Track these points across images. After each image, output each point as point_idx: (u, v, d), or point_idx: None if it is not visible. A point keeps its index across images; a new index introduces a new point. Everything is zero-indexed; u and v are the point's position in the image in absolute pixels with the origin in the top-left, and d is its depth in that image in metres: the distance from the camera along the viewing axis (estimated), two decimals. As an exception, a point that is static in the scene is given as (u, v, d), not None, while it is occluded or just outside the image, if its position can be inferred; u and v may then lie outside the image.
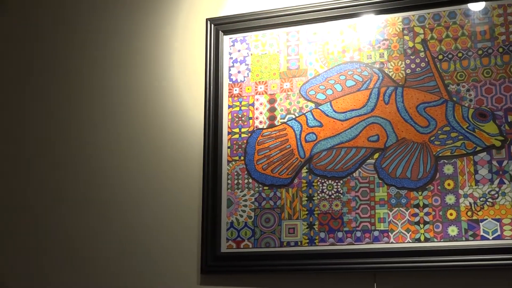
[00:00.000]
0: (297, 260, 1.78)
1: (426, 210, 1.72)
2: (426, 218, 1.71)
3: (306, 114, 1.88)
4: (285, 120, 1.90)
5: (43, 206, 2.10)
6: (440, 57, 1.79)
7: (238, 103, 1.95)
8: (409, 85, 1.81)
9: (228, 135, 1.93)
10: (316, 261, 1.77)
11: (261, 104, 1.93)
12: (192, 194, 1.94)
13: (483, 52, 1.76)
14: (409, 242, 1.71)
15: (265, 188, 1.86)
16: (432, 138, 1.76)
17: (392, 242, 1.73)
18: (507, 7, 1.77)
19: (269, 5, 1.99)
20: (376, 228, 1.75)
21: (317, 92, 1.88)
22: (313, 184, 1.82)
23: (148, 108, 2.07)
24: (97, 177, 2.07)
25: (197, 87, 2.01)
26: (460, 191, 1.70)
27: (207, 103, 1.95)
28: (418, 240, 1.71)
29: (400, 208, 1.74)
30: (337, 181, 1.81)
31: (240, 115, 1.93)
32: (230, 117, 1.94)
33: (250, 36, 1.98)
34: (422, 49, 1.81)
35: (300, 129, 1.87)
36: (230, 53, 1.99)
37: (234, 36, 2.00)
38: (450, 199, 1.71)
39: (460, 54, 1.78)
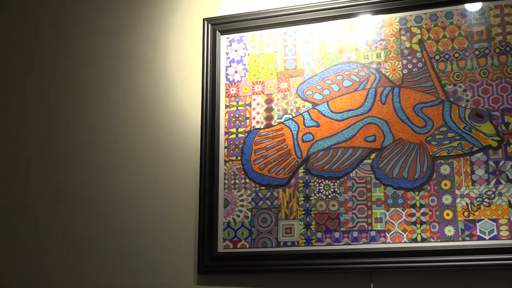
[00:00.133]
0: (294, 260, 1.78)
1: (422, 210, 1.72)
2: (423, 218, 1.71)
3: (303, 114, 1.88)
4: (282, 120, 1.90)
5: (41, 206, 2.10)
6: (437, 57, 1.80)
7: (235, 103, 1.95)
8: (406, 85, 1.81)
9: (225, 135, 1.93)
10: (313, 261, 1.77)
11: (258, 104, 1.93)
12: (189, 194, 1.94)
13: (480, 52, 1.77)
14: (406, 242, 1.71)
15: (262, 188, 1.86)
16: (429, 138, 1.76)
17: (389, 242, 1.73)
18: (504, 7, 1.77)
19: (266, 5, 1.99)
20: (373, 228, 1.75)
21: (314, 92, 1.88)
22: (310, 184, 1.83)
23: (145, 108, 2.07)
24: (94, 177, 2.07)
25: (194, 87, 2.01)
26: (457, 191, 1.71)
27: (204, 103, 1.95)
28: (415, 240, 1.71)
29: (397, 208, 1.74)
30: (334, 181, 1.81)
31: (237, 115, 1.94)
32: (227, 117, 1.94)
33: (247, 36, 1.98)
34: (419, 50, 1.82)
35: (297, 129, 1.88)
36: (227, 53, 1.99)
37: (231, 36, 2.00)
38: (446, 199, 1.71)
39: (457, 55, 1.78)
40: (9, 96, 2.25)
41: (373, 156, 1.79)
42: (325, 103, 1.87)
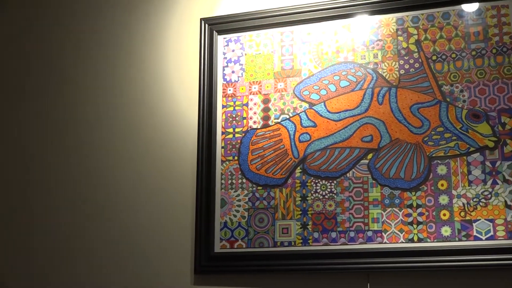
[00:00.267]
0: (291, 260, 1.78)
1: (419, 210, 1.72)
2: (420, 219, 1.72)
3: (300, 114, 1.88)
4: (279, 120, 1.90)
5: (38, 206, 2.10)
6: (434, 57, 1.80)
7: (232, 103, 1.95)
8: (402, 85, 1.81)
9: (222, 135, 1.93)
10: (310, 261, 1.77)
11: (255, 104, 1.93)
12: (186, 194, 1.94)
13: (476, 53, 1.77)
14: (403, 242, 1.71)
15: (259, 188, 1.86)
16: (425, 139, 1.76)
17: (385, 242, 1.73)
18: (500, 8, 1.77)
19: (264, 5, 1.99)
20: (370, 228, 1.75)
21: (311, 92, 1.88)
22: (307, 184, 1.83)
23: (142, 108, 2.06)
24: (92, 177, 2.07)
25: (191, 87, 2.01)
26: (454, 192, 1.71)
27: (201, 103, 1.95)
28: (412, 240, 1.71)
29: (394, 209, 1.74)
30: (330, 181, 1.81)
31: (234, 115, 1.93)
32: (224, 117, 1.94)
33: (244, 36, 1.98)
34: (416, 50, 1.82)
35: (294, 129, 1.88)
36: (224, 53, 1.99)
37: (228, 36, 2.00)
38: (443, 199, 1.71)
39: (453, 55, 1.79)
40: (6, 96, 2.25)
41: (370, 156, 1.79)
42: (322, 103, 1.87)
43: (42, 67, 2.22)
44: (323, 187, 1.81)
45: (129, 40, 2.13)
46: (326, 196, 1.81)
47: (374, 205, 1.76)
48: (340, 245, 1.77)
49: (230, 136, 1.93)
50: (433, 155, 1.74)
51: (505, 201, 1.67)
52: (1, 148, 2.20)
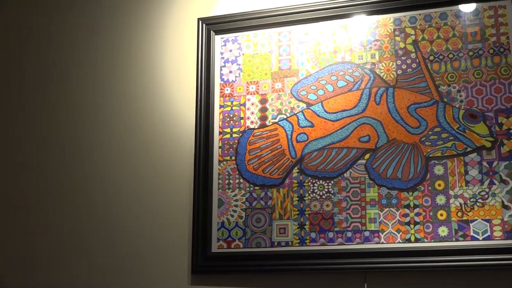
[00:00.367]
0: (288, 260, 1.78)
1: (416, 210, 1.72)
2: (417, 219, 1.72)
3: (297, 114, 1.88)
4: (277, 120, 1.90)
5: (36, 206, 2.10)
6: (431, 58, 1.80)
7: (229, 103, 1.95)
8: (400, 85, 1.81)
9: (219, 135, 1.93)
10: (307, 261, 1.77)
11: (252, 104, 1.93)
12: (183, 193, 1.94)
13: (474, 53, 1.77)
14: (400, 243, 1.72)
15: (256, 188, 1.86)
16: (423, 139, 1.76)
17: (382, 243, 1.73)
18: (497, 8, 1.78)
19: (261, 5, 1.99)
20: (367, 229, 1.75)
21: (308, 93, 1.88)
22: (304, 184, 1.83)
23: (140, 108, 2.06)
24: (89, 177, 2.06)
25: (188, 87, 2.01)
26: (451, 192, 1.71)
27: (199, 103, 1.95)
28: (409, 241, 1.71)
29: (391, 209, 1.74)
30: (328, 181, 1.81)
31: (231, 115, 1.93)
32: (221, 117, 1.94)
33: (242, 36, 1.98)
34: (413, 50, 1.82)
35: (291, 129, 1.88)
36: (221, 53, 1.99)
37: (225, 36, 2.00)
38: (440, 199, 1.71)
39: (451, 55, 1.79)
40: (2, 95, 2.24)
41: (367, 156, 1.79)
42: (320, 104, 1.87)
43: (39, 68, 2.22)
44: (321, 187, 1.81)
45: (126, 40, 2.13)
46: (324, 196, 1.81)
47: (371, 205, 1.76)
48: (337, 245, 1.76)
49: (228, 136, 1.92)
50: (430, 155, 1.74)
51: (502, 201, 1.67)
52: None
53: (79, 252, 2.01)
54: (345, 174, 1.80)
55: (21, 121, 2.19)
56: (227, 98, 1.95)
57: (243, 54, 1.97)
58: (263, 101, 1.92)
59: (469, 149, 1.72)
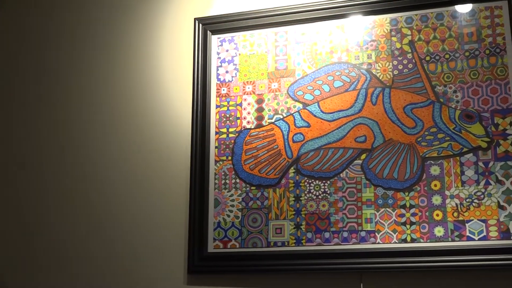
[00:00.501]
0: (284, 260, 1.78)
1: (412, 210, 1.72)
2: (413, 219, 1.72)
3: (293, 114, 1.88)
4: (273, 120, 1.90)
5: (34, 206, 2.09)
6: (428, 58, 1.80)
7: (226, 103, 1.95)
8: (396, 86, 1.81)
9: (215, 135, 1.93)
10: (303, 261, 1.77)
11: (249, 104, 1.93)
12: (179, 193, 1.94)
13: (470, 53, 1.77)
14: (396, 243, 1.72)
15: (253, 188, 1.86)
16: (419, 139, 1.76)
17: (378, 243, 1.73)
18: (494, 9, 1.78)
19: (258, 5, 1.99)
20: (363, 229, 1.75)
21: (305, 93, 1.89)
22: (300, 184, 1.83)
23: (137, 107, 2.06)
24: (86, 177, 2.06)
25: (185, 86, 2.01)
26: (447, 192, 1.71)
27: (195, 102, 1.95)
28: (405, 241, 1.71)
29: (387, 209, 1.75)
30: (324, 181, 1.81)
31: (227, 115, 1.93)
32: (217, 117, 1.94)
33: (238, 36, 1.98)
34: (410, 50, 1.82)
35: (287, 129, 1.88)
36: (218, 53, 1.99)
37: (222, 36, 2.00)
38: (436, 199, 1.72)
39: (447, 56, 1.79)
40: (1, 95, 2.24)
41: (363, 156, 1.80)
42: (316, 104, 1.87)
43: (35, 67, 2.22)
44: (317, 187, 1.81)
45: (123, 39, 2.13)
46: (320, 196, 1.81)
47: (368, 206, 1.76)
48: (334, 245, 1.77)
49: (224, 136, 1.92)
50: (426, 156, 1.74)
51: (498, 202, 1.67)
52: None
53: (77, 252, 2.01)
54: (341, 174, 1.80)
55: (18, 121, 2.19)
56: (223, 98, 1.95)
57: (239, 54, 1.97)
58: (260, 101, 1.92)
59: (465, 149, 1.72)
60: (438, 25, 1.81)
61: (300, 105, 1.88)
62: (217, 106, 1.95)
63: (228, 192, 1.88)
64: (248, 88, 1.94)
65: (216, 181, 1.90)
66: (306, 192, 1.82)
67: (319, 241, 1.78)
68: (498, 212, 1.67)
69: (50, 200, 2.08)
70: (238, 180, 1.88)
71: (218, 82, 1.97)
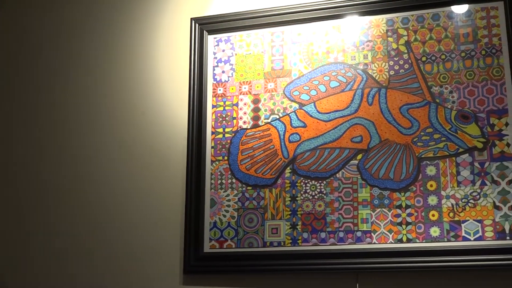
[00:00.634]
0: (280, 260, 1.78)
1: (408, 211, 1.73)
2: (409, 219, 1.72)
3: (290, 114, 1.88)
4: (269, 121, 1.90)
5: (29, 206, 2.09)
6: (424, 59, 1.80)
7: (222, 103, 1.94)
8: (392, 86, 1.82)
9: (212, 135, 1.93)
10: (299, 261, 1.77)
11: (245, 104, 1.93)
12: (175, 193, 1.94)
13: (466, 54, 1.78)
14: (392, 243, 1.72)
15: (249, 188, 1.86)
16: (415, 140, 1.76)
17: (374, 243, 1.73)
18: (490, 9, 1.78)
19: (254, 5, 1.99)
20: (359, 229, 1.75)
21: (301, 93, 1.89)
22: (297, 184, 1.83)
23: (133, 107, 2.06)
24: (82, 177, 2.06)
25: (181, 86, 2.01)
26: (443, 192, 1.71)
27: (191, 102, 1.95)
28: (401, 241, 1.71)
29: (383, 209, 1.75)
30: (320, 181, 1.81)
31: (224, 115, 1.93)
32: (214, 117, 1.94)
33: (235, 36, 1.98)
34: (406, 51, 1.82)
35: (284, 129, 1.88)
36: (214, 53, 1.99)
37: (218, 36, 2.00)
38: (432, 200, 1.72)
39: (443, 56, 1.79)
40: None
41: (359, 156, 1.80)
42: (312, 104, 1.87)
43: (32, 68, 2.21)
44: (313, 187, 1.81)
45: (120, 39, 2.13)
46: (316, 197, 1.81)
47: (364, 206, 1.76)
48: (329, 245, 1.77)
49: (220, 136, 1.92)
50: (422, 156, 1.75)
51: (494, 202, 1.67)
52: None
53: (74, 252, 2.01)
54: (337, 175, 1.80)
55: (15, 121, 2.18)
56: (219, 98, 1.95)
57: (236, 54, 1.97)
58: (256, 101, 1.92)
59: (461, 149, 1.72)
60: (434, 25, 1.82)
61: (297, 105, 1.88)
62: (213, 106, 1.95)
63: (224, 192, 1.88)
64: (245, 88, 1.94)
65: (212, 181, 1.90)
66: (302, 192, 1.82)
67: (315, 241, 1.78)
68: (493, 212, 1.67)
69: (49, 200, 2.08)
70: (234, 180, 1.88)
71: (215, 82, 1.97)
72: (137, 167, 2.01)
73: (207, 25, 2.00)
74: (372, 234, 1.74)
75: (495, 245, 1.64)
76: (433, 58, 1.80)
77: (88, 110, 2.11)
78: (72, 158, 2.09)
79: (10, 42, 2.27)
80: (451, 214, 1.70)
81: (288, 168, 1.85)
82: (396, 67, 1.82)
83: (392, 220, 1.73)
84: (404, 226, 1.72)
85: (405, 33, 1.84)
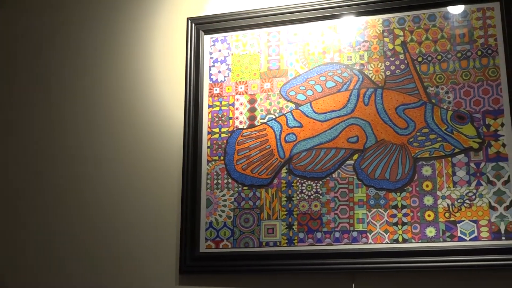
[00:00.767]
0: (276, 260, 1.78)
1: (404, 211, 1.73)
2: (404, 219, 1.72)
3: (286, 114, 1.88)
4: (265, 121, 1.90)
5: (28, 206, 2.09)
6: (420, 59, 1.81)
7: (218, 103, 1.94)
8: (388, 86, 1.82)
9: (208, 134, 1.93)
10: (295, 261, 1.77)
11: (241, 104, 1.93)
12: (171, 193, 1.93)
13: (462, 55, 1.78)
14: (387, 243, 1.72)
15: (245, 188, 1.86)
16: (411, 140, 1.77)
17: (370, 243, 1.73)
18: (486, 10, 1.79)
19: (250, 5, 1.99)
20: (355, 229, 1.76)
21: (297, 93, 1.89)
22: (293, 184, 1.83)
23: (129, 107, 2.06)
24: (78, 177, 2.06)
25: (177, 86, 2.00)
26: (438, 193, 1.72)
27: (187, 102, 1.95)
28: (396, 241, 1.72)
29: (379, 209, 1.75)
30: (316, 181, 1.81)
31: (220, 115, 1.93)
32: (210, 116, 1.94)
33: (231, 36, 1.98)
34: (402, 51, 1.83)
35: (280, 129, 1.88)
36: (210, 53, 1.99)
37: (215, 35, 2.00)
38: (428, 200, 1.72)
39: (439, 57, 1.79)
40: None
41: (355, 157, 1.80)
42: (308, 104, 1.87)
43: (28, 68, 2.21)
44: (309, 187, 1.82)
45: (116, 39, 2.13)
46: (312, 197, 1.81)
47: (359, 206, 1.77)
48: (325, 245, 1.77)
49: (216, 136, 1.92)
50: (418, 156, 1.75)
51: (489, 202, 1.68)
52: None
53: (70, 252, 2.00)
54: (333, 175, 1.80)
55: (12, 121, 2.18)
56: (216, 98, 1.95)
57: (232, 54, 1.97)
58: (252, 101, 1.92)
59: (456, 150, 1.73)
60: (430, 26, 1.82)
61: (293, 105, 1.88)
62: (209, 106, 1.95)
63: (220, 192, 1.88)
64: (241, 88, 1.94)
65: (208, 181, 1.90)
66: (298, 192, 1.82)
67: (311, 241, 1.78)
68: (489, 212, 1.67)
69: (46, 199, 2.07)
70: (230, 180, 1.88)
71: (211, 82, 1.96)
72: (133, 167, 2.00)
73: (203, 25, 2.00)
74: (368, 234, 1.74)
75: (491, 245, 1.64)
76: (429, 58, 1.80)
77: (85, 110, 2.10)
78: (69, 158, 2.08)
79: (9, 42, 2.26)
80: (447, 215, 1.70)
81: (284, 168, 1.85)
82: (392, 68, 1.82)
83: (388, 220, 1.73)
84: (400, 226, 1.72)
85: (401, 33, 1.84)
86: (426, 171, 1.74)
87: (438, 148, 1.74)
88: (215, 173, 1.90)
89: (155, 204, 1.95)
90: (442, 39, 1.80)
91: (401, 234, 1.72)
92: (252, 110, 1.91)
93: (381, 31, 1.85)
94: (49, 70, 2.18)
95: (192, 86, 1.96)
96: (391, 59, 1.83)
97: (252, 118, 1.91)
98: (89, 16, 2.18)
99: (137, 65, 2.08)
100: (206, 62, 1.98)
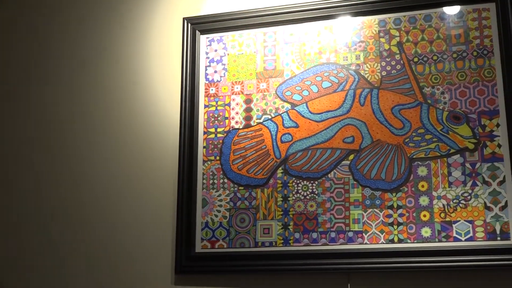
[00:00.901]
0: (272, 261, 1.78)
1: (400, 211, 1.73)
2: (400, 219, 1.72)
3: (282, 114, 1.88)
4: (261, 121, 1.90)
5: (25, 206, 2.08)
6: (416, 59, 1.81)
7: (214, 103, 1.94)
8: (384, 87, 1.82)
9: (204, 134, 1.93)
10: (291, 261, 1.77)
11: (237, 104, 1.93)
12: (167, 193, 1.93)
13: (457, 55, 1.78)
14: (383, 243, 1.72)
15: (241, 188, 1.86)
16: (406, 140, 1.77)
17: (366, 243, 1.74)
18: (481, 11, 1.79)
19: (247, 5, 1.99)
20: (351, 229, 1.76)
21: (293, 93, 1.89)
22: (288, 184, 1.83)
23: (125, 107, 2.06)
24: (74, 177, 2.06)
25: (173, 86, 2.00)
26: (434, 193, 1.72)
27: (183, 102, 1.95)
28: (392, 241, 1.72)
29: (375, 209, 1.75)
30: (312, 182, 1.81)
31: (216, 115, 1.93)
32: (206, 116, 1.94)
33: (227, 36, 1.98)
34: (398, 52, 1.83)
35: (276, 129, 1.88)
36: (206, 53, 1.98)
37: (211, 35, 1.99)
38: (423, 200, 1.72)
39: (435, 57, 1.80)
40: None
41: (351, 157, 1.80)
42: (304, 104, 1.87)
43: (25, 68, 2.21)
44: (305, 187, 1.82)
45: (112, 39, 2.13)
46: (308, 197, 1.81)
47: (355, 206, 1.77)
48: (321, 245, 1.77)
49: (212, 136, 1.92)
50: (414, 157, 1.75)
51: (485, 203, 1.68)
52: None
53: (66, 252, 2.00)
54: (329, 175, 1.80)
55: (11, 120, 2.18)
56: (212, 98, 1.95)
57: (228, 54, 1.97)
58: (248, 101, 1.92)
59: (452, 150, 1.73)
60: (426, 26, 1.82)
61: (289, 106, 1.88)
62: (205, 106, 1.95)
63: (216, 192, 1.88)
64: (237, 88, 1.94)
65: (204, 181, 1.89)
66: (294, 193, 1.82)
67: (306, 241, 1.78)
68: (484, 213, 1.67)
69: (44, 199, 2.07)
70: (226, 180, 1.88)
71: (207, 82, 1.96)
72: (130, 167, 2.00)
73: (199, 25, 2.00)
74: (364, 234, 1.74)
75: (486, 245, 1.65)
76: (425, 59, 1.80)
77: (81, 110, 2.10)
78: (65, 157, 2.08)
79: (8, 42, 2.26)
80: (442, 215, 1.70)
81: (280, 168, 1.85)
82: (388, 68, 1.83)
83: (384, 220, 1.74)
84: (395, 227, 1.72)
85: (397, 34, 1.84)
86: (422, 171, 1.74)
87: (433, 148, 1.74)
88: (211, 173, 1.90)
89: (151, 204, 1.95)
90: (438, 40, 1.80)
91: (397, 234, 1.72)
92: (248, 110, 1.91)
93: (377, 32, 1.86)
94: (45, 70, 2.18)
95: (188, 86, 1.96)
96: (387, 59, 1.83)
97: (248, 118, 1.91)
98: (86, 16, 2.17)
99: (133, 65, 2.08)
100: (202, 62, 1.98)
